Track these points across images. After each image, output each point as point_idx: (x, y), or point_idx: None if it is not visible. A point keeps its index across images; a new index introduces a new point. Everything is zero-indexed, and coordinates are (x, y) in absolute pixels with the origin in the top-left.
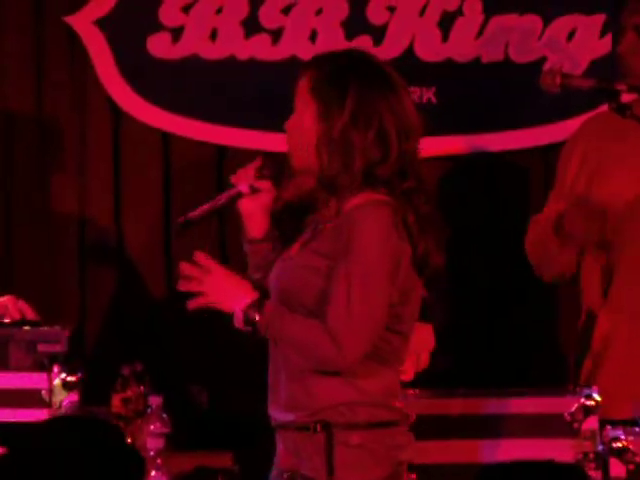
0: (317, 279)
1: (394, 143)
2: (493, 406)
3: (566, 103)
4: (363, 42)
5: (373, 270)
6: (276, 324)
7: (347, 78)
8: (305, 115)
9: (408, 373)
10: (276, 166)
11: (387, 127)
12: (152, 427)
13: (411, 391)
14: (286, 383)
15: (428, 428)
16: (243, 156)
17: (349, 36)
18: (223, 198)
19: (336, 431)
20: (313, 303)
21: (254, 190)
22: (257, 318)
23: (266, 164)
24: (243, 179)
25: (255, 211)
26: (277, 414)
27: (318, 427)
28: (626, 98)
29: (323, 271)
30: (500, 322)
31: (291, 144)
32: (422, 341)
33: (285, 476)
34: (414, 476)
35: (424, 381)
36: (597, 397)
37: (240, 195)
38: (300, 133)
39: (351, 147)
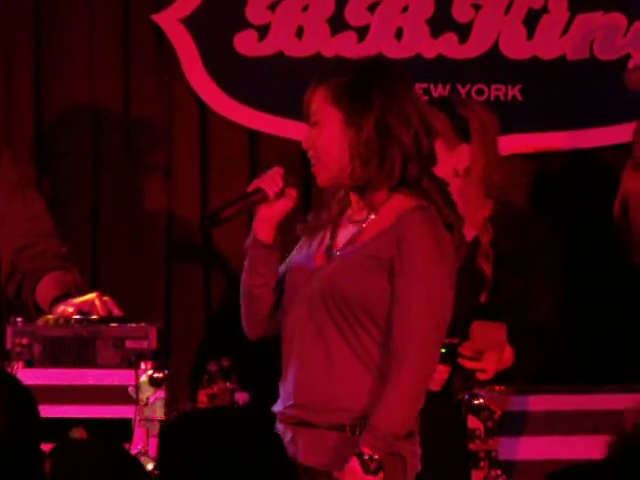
0: (376, 280)
1: (424, 139)
2: (580, 402)
3: None
4: (448, 39)
5: (437, 286)
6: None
7: (368, 82)
8: (330, 127)
9: (488, 372)
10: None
11: (415, 124)
12: None
13: (497, 388)
14: (326, 382)
15: (515, 424)
16: None
17: (434, 34)
18: (251, 200)
19: None
20: (377, 307)
21: (278, 196)
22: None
23: (291, 172)
24: (271, 184)
25: (273, 217)
26: (302, 411)
27: (357, 430)
28: None
29: (379, 272)
30: (593, 320)
31: (320, 158)
32: (494, 340)
33: (310, 475)
34: (499, 472)
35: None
36: None
37: (266, 199)
38: (329, 145)
39: (389, 145)
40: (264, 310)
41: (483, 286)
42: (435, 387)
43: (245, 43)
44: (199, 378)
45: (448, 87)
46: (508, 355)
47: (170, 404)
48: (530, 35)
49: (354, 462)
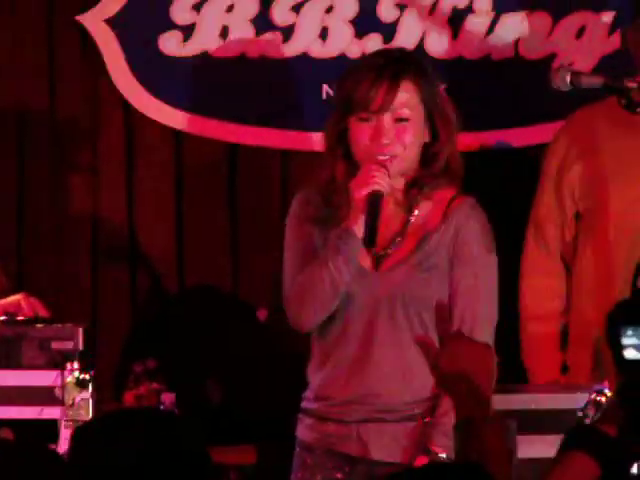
0: (443, 279)
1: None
2: (503, 402)
3: (576, 99)
4: (373, 40)
5: (494, 275)
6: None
7: (434, 80)
8: (418, 123)
9: None
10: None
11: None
12: None
13: None
14: (400, 381)
15: None
16: (255, 154)
17: (359, 34)
18: (381, 204)
19: None
20: (442, 310)
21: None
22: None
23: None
24: (381, 183)
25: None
26: (371, 408)
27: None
28: (636, 95)
29: (443, 271)
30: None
31: (400, 153)
32: None
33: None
34: None
35: None
36: (608, 393)
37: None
38: (415, 141)
39: (448, 144)
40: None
41: None
42: None
43: (169, 43)
44: (125, 379)
45: None
46: None
47: (96, 405)
48: (455, 35)
49: (424, 459)
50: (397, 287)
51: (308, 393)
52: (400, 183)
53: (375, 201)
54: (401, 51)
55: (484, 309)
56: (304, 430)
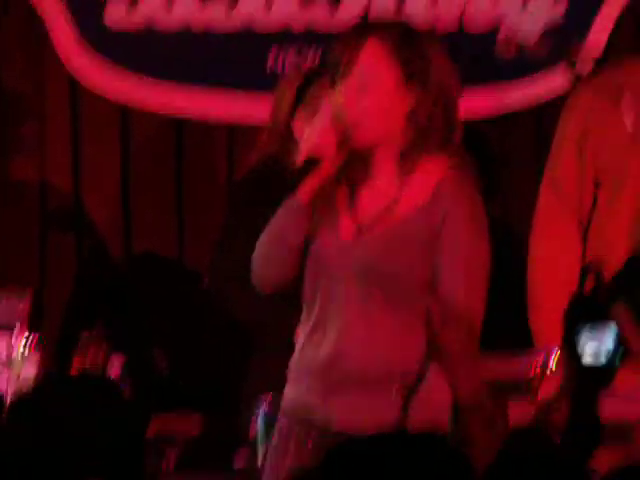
0: (420, 258)
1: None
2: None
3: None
4: (320, 9)
5: (483, 263)
6: None
7: (419, 39)
8: (383, 87)
9: None
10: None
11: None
12: None
13: None
14: (368, 348)
15: None
16: (201, 126)
17: (306, 3)
18: (308, 168)
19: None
20: (419, 282)
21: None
22: None
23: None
24: (325, 148)
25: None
26: (339, 374)
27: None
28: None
29: (422, 250)
30: None
31: (362, 122)
32: None
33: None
34: None
35: None
36: (556, 357)
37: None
38: (380, 108)
39: (443, 109)
40: (296, 268)
41: None
42: None
43: (115, 15)
44: (72, 344)
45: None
46: None
47: (43, 369)
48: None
49: None
50: (367, 259)
51: (293, 357)
52: (390, 156)
53: (307, 164)
54: (373, 20)
55: (469, 301)
56: (285, 395)
